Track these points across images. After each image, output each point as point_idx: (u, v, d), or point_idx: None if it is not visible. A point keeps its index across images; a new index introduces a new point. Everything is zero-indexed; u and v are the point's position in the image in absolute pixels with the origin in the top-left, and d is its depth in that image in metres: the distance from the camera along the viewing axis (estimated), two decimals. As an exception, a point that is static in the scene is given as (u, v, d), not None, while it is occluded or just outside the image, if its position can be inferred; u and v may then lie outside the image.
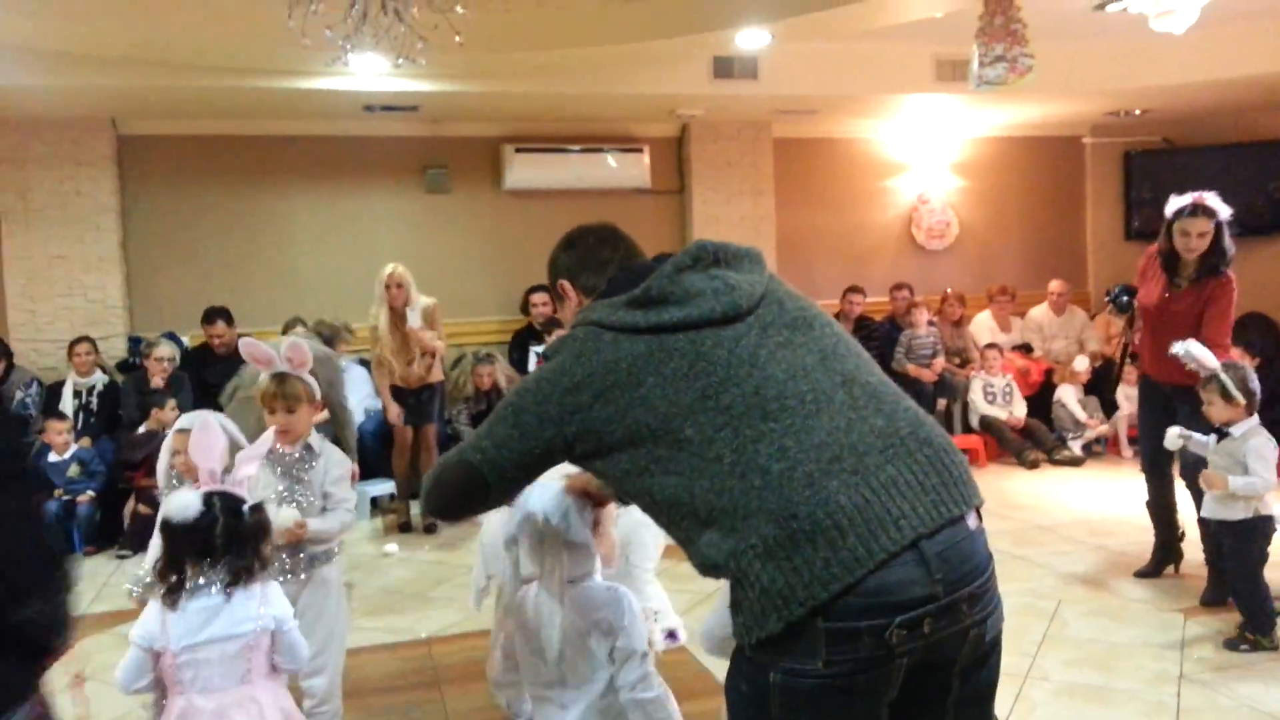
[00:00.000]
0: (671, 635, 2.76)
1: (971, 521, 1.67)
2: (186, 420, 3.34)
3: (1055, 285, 8.29)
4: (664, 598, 2.76)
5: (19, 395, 6.25)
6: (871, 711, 1.61)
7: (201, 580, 2.21)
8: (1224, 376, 3.79)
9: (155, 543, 2.57)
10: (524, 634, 2.15)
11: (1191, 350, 3.79)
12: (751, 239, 8.29)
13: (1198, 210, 4.16)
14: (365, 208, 7.59)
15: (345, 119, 7.28)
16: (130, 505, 5.84)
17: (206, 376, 6.40)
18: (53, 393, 6.46)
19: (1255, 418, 3.90)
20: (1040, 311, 8.38)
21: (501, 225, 7.89)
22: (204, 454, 2.31)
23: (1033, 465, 7.20)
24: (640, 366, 1.68)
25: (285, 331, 6.77)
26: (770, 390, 1.65)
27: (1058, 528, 5.67)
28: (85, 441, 6.06)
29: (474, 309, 7.77)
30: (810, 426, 1.63)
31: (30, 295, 6.92)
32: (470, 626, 4.25)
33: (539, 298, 7.36)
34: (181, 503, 2.23)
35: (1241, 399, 3.79)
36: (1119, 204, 9.15)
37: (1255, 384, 3.88)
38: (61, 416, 6.11)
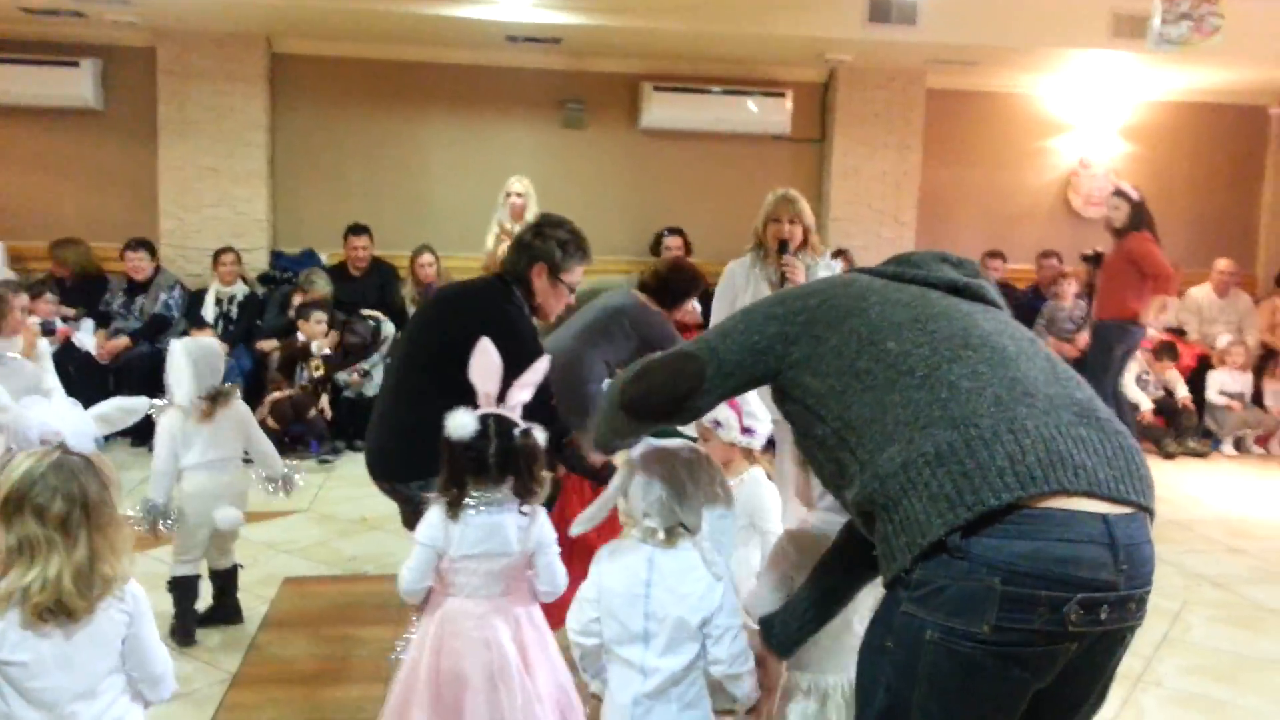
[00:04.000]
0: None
1: (1149, 524, 1.59)
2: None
3: (1222, 264, 7.70)
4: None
5: (163, 297, 6.52)
6: (1020, 693, 1.53)
7: (483, 496, 2.29)
8: None
9: None
10: (621, 581, 2.09)
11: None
12: (892, 194, 8.06)
13: None
14: (501, 139, 7.59)
15: (488, 48, 7.27)
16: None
17: (339, 295, 6.57)
18: (195, 299, 6.71)
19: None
20: (1201, 292, 7.82)
21: (636, 165, 7.79)
22: (483, 377, 2.34)
23: (1169, 456, 6.84)
24: (870, 290, 1.81)
25: (414, 258, 6.90)
26: (976, 332, 1.69)
27: (1193, 524, 5.33)
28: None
29: (604, 247, 7.68)
30: (1008, 365, 1.63)
31: (181, 204, 7.21)
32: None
33: (673, 241, 7.26)
34: (459, 422, 2.27)
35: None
36: (1304, 181, 8.42)
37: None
38: (204, 323, 6.39)
